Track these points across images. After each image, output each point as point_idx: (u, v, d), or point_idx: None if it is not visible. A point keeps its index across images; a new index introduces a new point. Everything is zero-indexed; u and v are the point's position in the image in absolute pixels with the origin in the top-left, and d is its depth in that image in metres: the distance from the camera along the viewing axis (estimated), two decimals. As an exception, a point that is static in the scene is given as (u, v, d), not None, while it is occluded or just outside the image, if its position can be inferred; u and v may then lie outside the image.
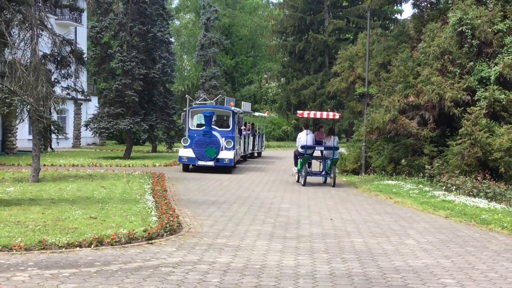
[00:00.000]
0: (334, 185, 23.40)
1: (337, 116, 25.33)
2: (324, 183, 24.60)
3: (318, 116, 25.48)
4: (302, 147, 23.68)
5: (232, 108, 30.15)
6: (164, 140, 40.69)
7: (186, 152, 27.13)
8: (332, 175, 23.57)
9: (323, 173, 24.34)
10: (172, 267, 9.21)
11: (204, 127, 27.48)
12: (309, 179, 24.15)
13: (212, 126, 27.96)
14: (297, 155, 24.37)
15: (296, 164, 24.54)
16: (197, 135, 27.16)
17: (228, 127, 29.50)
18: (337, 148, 24.28)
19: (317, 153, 24.77)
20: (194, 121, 30.24)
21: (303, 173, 23.34)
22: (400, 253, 10.90)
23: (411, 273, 9.35)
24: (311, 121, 31.91)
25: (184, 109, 29.88)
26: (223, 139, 27.56)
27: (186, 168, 27.66)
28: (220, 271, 9.10)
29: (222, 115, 30.60)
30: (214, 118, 29.36)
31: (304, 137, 23.91)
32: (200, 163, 26.74)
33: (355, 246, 11.43)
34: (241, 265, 9.53)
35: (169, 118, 38.07)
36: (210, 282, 8.40)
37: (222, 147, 27.25)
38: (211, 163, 26.71)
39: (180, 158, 27.48)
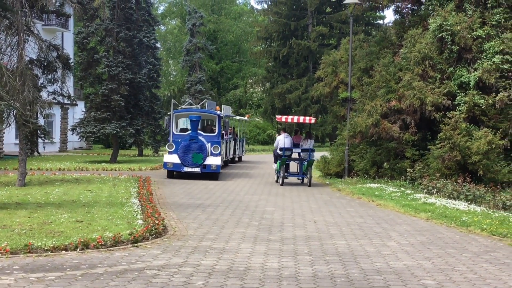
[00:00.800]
0: (310, 185, 24.72)
1: (313, 121, 27.50)
2: (301, 183, 25.71)
3: (295, 120, 27.30)
4: (281, 149, 24.95)
5: (218, 112, 28.71)
6: (150, 144, 40.69)
7: (171, 158, 25.31)
8: (308, 175, 24.87)
9: (300, 173, 25.94)
10: (157, 270, 9.18)
11: (190, 132, 25.83)
12: (287, 179, 25.44)
13: (198, 131, 26.35)
14: (276, 158, 26.08)
15: (276, 161, 26.15)
16: (183, 140, 25.46)
17: (214, 131, 27.86)
18: (313, 150, 25.43)
19: (294, 155, 25.94)
20: (179, 126, 28.93)
21: (281, 174, 24.70)
22: (382, 255, 10.94)
23: (392, 274, 9.38)
24: (295, 125, 32.23)
25: (168, 113, 28.20)
26: (209, 144, 25.76)
27: (171, 175, 26.06)
28: (204, 273, 9.08)
29: (208, 120, 29.89)
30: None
31: (283, 140, 25.02)
32: (186, 169, 25.09)
33: (338, 248, 11.45)
34: (226, 268, 9.51)
35: (155, 123, 38.10)
36: (195, 285, 8.38)
37: (209, 153, 25.51)
38: (197, 170, 25.09)
39: (165, 164, 25.69)
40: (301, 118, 27.67)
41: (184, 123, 29.57)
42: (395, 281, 8.96)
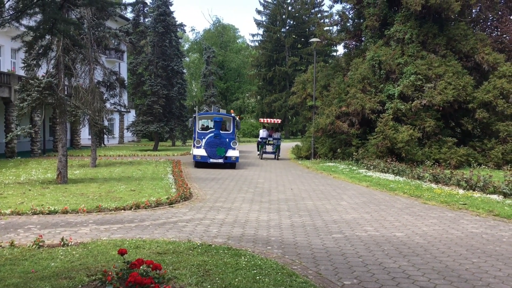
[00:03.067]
0: (278, 159, 28.30)
1: (279, 121, 32.20)
2: (274, 158, 28.77)
3: (270, 121, 30.85)
4: (261, 138, 29.06)
5: (232, 114, 24.76)
6: (180, 138, 40.57)
7: (199, 152, 21.53)
8: (277, 154, 28.75)
9: (272, 152, 29.20)
10: (186, 222, 9.18)
11: (214, 130, 22.02)
12: (265, 156, 29.64)
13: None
14: (258, 144, 29.60)
15: (258, 150, 29.58)
16: (209, 137, 21.46)
17: (229, 130, 23.83)
18: (279, 139, 29.29)
19: (270, 142, 29.25)
20: (200, 125, 24.49)
21: (261, 152, 28.82)
22: (337, 210, 10.95)
23: (344, 223, 9.40)
24: (278, 125, 32.96)
25: (194, 115, 23.92)
26: (227, 140, 21.98)
27: (198, 165, 22.05)
28: (218, 224, 9.08)
29: (225, 121, 25.41)
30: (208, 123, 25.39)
31: (262, 133, 29.27)
32: (212, 160, 21.32)
33: (307, 206, 11.46)
34: (232, 220, 9.51)
35: (183, 123, 37.91)
36: (211, 232, 8.38)
37: (229, 147, 21.86)
38: (221, 161, 21.40)
39: (194, 156, 21.68)
40: (273, 120, 31.30)
41: (203, 123, 26.44)
42: (346, 227, 8.98)
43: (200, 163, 21.76)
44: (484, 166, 21.26)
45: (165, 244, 7.13)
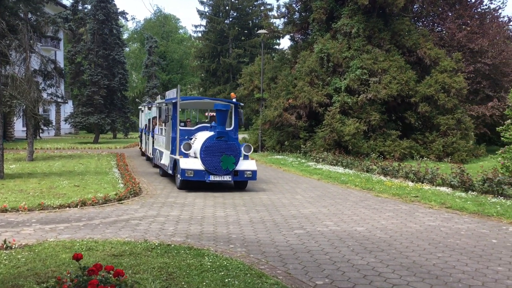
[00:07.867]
0: None
1: None
2: None
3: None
4: None
5: (234, 100, 15.38)
6: (121, 130, 39.29)
7: (191, 164, 12.52)
8: None
9: None
10: (139, 220, 8.66)
11: (211, 127, 13.87)
12: None
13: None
14: None
15: None
16: (208, 139, 12.53)
17: (229, 126, 14.57)
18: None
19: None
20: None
21: None
22: (294, 204, 10.75)
23: (303, 218, 9.19)
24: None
25: (173, 100, 14.12)
26: (236, 143, 13.04)
27: (185, 186, 12.79)
28: (173, 221, 8.62)
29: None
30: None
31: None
32: (213, 178, 12.41)
33: (263, 201, 11.19)
34: (188, 217, 9.08)
35: (125, 115, 36.74)
36: (168, 230, 7.92)
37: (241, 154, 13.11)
38: (228, 178, 12.54)
39: (183, 172, 12.34)
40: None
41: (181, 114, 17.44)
42: (306, 222, 8.78)
43: (190, 183, 12.90)
44: (426, 158, 21.90)
45: (120, 244, 6.63)
